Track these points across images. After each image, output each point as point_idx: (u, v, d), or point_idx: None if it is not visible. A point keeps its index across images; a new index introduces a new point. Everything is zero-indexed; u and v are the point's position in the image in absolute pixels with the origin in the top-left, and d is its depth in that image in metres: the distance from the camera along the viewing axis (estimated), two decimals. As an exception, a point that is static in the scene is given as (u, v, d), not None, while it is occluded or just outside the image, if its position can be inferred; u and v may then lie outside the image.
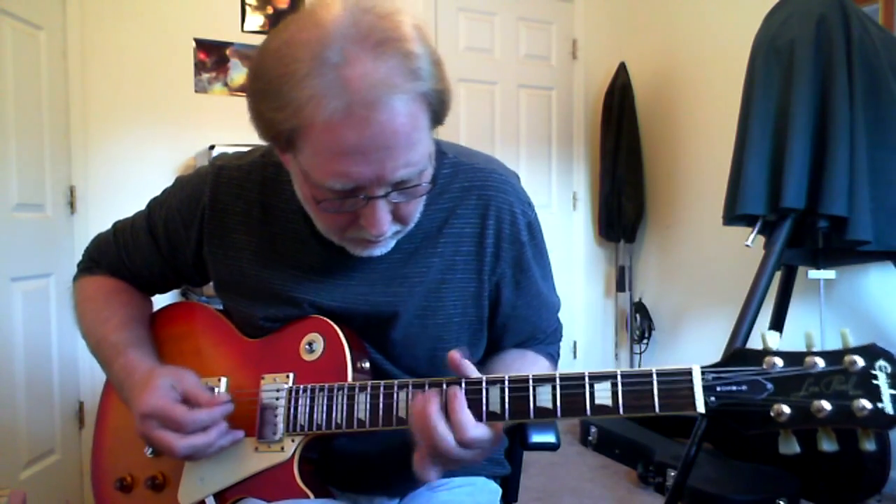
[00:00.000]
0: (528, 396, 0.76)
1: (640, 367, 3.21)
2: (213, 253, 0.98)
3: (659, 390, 0.71)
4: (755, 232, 2.17)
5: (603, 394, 0.73)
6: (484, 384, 0.77)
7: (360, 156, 0.73)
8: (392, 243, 0.88)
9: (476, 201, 0.94)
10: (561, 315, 1.08)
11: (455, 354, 0.78)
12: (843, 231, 2.01)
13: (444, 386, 0.78)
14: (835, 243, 2.15)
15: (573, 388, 0.74)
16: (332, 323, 0.91)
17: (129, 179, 2.69)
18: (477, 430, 0.75)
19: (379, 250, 0.87)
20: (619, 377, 0.73)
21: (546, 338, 1.05)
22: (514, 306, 0.98)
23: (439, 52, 0.80)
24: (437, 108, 0.78)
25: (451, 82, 0.80)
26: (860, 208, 1.98)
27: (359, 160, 0.73)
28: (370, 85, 0.70)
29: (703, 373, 0.70)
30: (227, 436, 0.87)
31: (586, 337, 3.83)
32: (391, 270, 0.93)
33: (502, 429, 0.80)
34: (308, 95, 0.71)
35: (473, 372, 0.79)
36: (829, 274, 2.26)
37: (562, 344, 1.12)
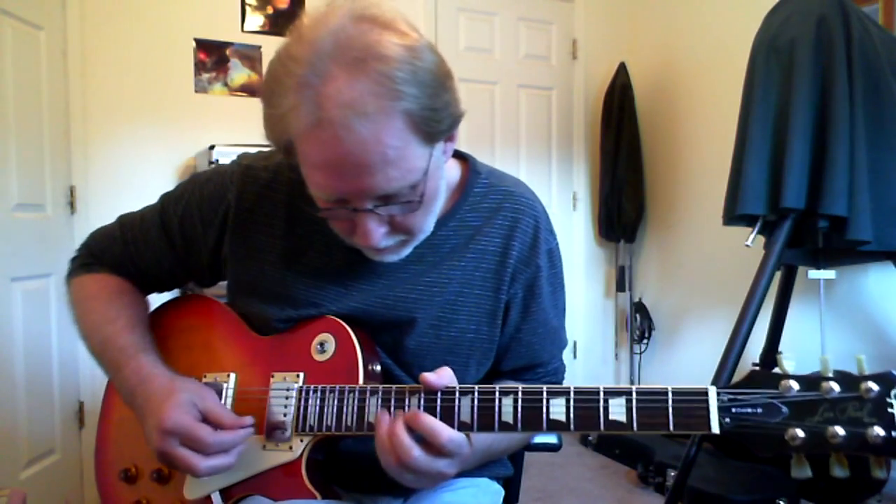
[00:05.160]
0: (542, 408, 0.75)
1: (639, 366, 3.18)
2: (235, 253, 0.97)
3: (674, 409, 0.71)
4: (755, 232, 2.17)
5: (617, 409, 0.73)
6: (497, 394, 0.77)
7: (332, 171, 0.74)
8: (407, 250, 0.87)
9: (502, 222, 0.95)
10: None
11: (427, 376, 0.78)
12: (843, 231, 2.01)
13: (457, 394, 0.78)
14: (835, 243, 2.15)
15: (587, 402, 0.74)
16: (344, 324, 0.90)
17: (129, 179, 2.69)
18: (452, 435, 0.76)
19: (390, 257, 0.86)
20: (633, 394, 0.73)
21: (545, 374, 1.03)
22: (518, 329, 0.98)
23: (440, 51, 0.78)
24: (427, 126, 0.75)
25: (455, 94, 0.78)
26: (860, 208, 1.98)
27: (332, 175, 0.75)
28: (340, 104, 0.70)
29: (718, 394, 0.70)
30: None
31: (586, 337, 3.83)
32: (414, 278, 0.93)
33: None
34: (288, 106, 0.73)
35: (451, 382, 0.79)
36: (829, 274, 2.26)
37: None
